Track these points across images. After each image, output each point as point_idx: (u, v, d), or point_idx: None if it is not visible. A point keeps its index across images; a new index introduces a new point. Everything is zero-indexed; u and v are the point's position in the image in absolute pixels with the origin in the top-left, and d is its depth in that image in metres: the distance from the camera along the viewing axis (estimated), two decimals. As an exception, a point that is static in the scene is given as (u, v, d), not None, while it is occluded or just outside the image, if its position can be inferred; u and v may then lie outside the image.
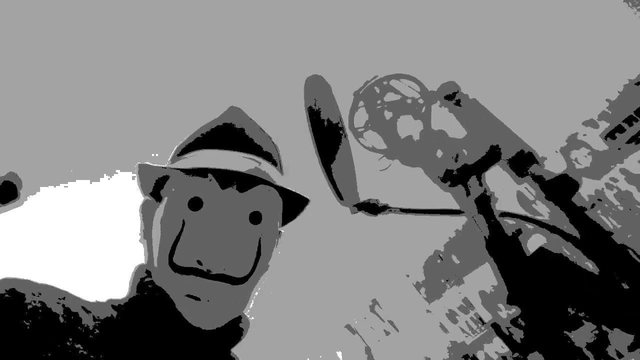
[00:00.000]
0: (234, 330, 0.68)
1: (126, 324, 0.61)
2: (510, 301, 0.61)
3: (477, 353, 7.27)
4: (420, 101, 0.89)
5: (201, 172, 0.65)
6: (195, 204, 0.64)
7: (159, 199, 0.71)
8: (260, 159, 0.71)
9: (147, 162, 0.71)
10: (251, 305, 0.70)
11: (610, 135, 5.77)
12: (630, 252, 0.61)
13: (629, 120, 5.71)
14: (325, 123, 0.82)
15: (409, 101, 0.91)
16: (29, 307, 0.53)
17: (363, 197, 0.84)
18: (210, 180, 0.65)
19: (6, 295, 0.53)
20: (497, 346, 7.01)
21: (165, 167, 0.70)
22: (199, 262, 0.62)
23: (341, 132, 0.90)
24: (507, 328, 6.72)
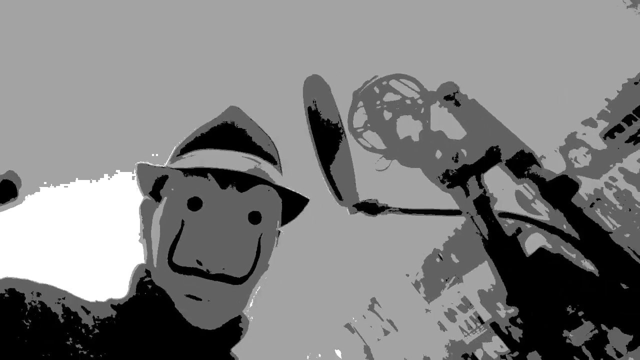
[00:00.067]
0: (233, 330, 0.68)
1: (126, 324, 0.61)
2: (510, 302, 0.61)
3: (476, 352, 7.27)
4: (420, 101, 0.89)
5: (200, 172, 0.65)
6: (195, 203, 0.64)
7: (158, 198, 0.71)
8: (259, 159, 0.71)
9: (147, 162, 0.71)
10: (251, 305, 0.70)
11: (610, 134, 5.77)
12: (630, 252, 0.61)
13: (628, 120, 5.71)
14: (325, 123, 0.82)
15: (408, 101, 0.91)
16: (29, 307, 0.53)
17: (362, 197, 0.84)
18: (209, 180, 0.65)
19: (6, 295, 0.53)
20: (496, 345, 7.01)
21: (164, 167, 0.70)
22: (199, 262, 0.62)
23: (340, 132, 0.90)
24: (507, 327, 6.73)
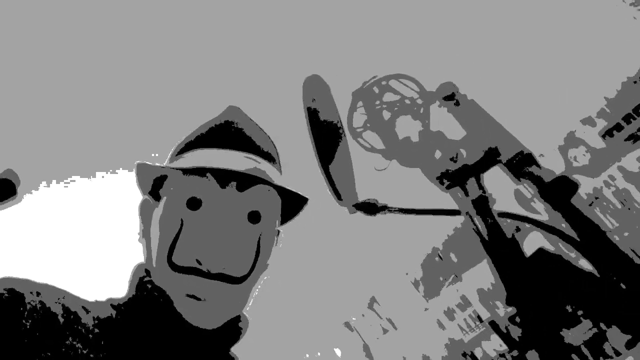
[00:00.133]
0: (233, 330, 0.67)
1: (126, 324, 0.61)
2: (509, 302, 0.61)
3: (475, 350, 7.28)
4: (419, 101, 0.89)
5: (200, 172, 0.65)
6: (194, 203, 0.64)
7: (158, 198, 0.71)
8: (259, 159, 0.71)
9: (146, 162, 0.70)
10: (250, 304, 0.70)
11: (609, 133, 5.77)
12: (629, 252, 0.61)
13: (627, 119, 5.71)
14: (324, 123, 0.82)
15: (408, 101, 0.91)
16: (29, 306, 0.53)
17: (362, 197, 0.84)
18: (209, 179, 0.64)
19: (5, 295, 0.53)
20: (495, 344, 7.02)
21: (163, 167, 0.69)
22: (198, 262, 0.61)
23: (340, 132, 0.89)
24: (506, 326, 6.74)
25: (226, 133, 0.71)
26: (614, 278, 0.58)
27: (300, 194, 0.71)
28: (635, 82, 5.56)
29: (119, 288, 0.69)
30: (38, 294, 0.55)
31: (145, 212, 0.71)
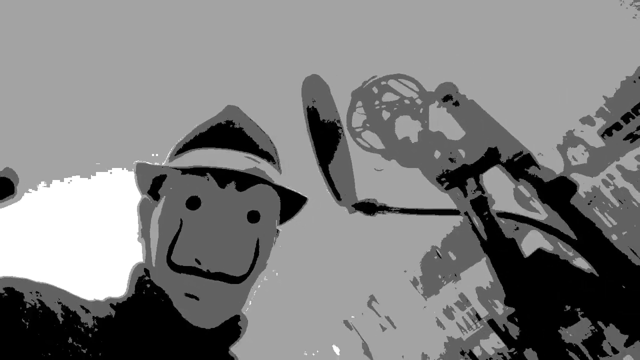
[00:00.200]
0: (232, 329, 0.68)
1: (125, 323, 0.61)
2: (508, 303, 0.61)
3: (473, 349, 7.30)
4: (419, 101, 0.89)
5: (199, 171, 0.66)
6: (193, 203, 0.64)
7: (157, 198, 0.71)
8: (258, 158, 0.71)
9: (145, 161, 0.71)
10: (249, 304, 0.70)
11: (608, 132, 5.78)
12: (629, 253, 0.61)
13: (626, 118, 5.72)
14: (324, 123, 0.82)
15: (407, 101, 0.91)
16: (28, 306, 0.53)
17: (361, 197, 0.84)
18: (208, 179, 0.65)
19: (5, 295, 0.53)
20: (494, 342, 7.04)
21: (163, 166, 0.70)
22: (198, 261, 0.62)
23: (339, 132, 0.90)
24: (504, 324, 6.75)
25: (225, 133, 0.72)
26: (612, 278, 0.59)
27: (300, 193, 0.72)
28: (634, 81, 5.57)
29: (118, 288, 0.69)
30: (37, 293, 0.55)
31: (144, 212, 0.71)
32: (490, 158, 0.69)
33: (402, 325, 8.49)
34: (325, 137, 0.82)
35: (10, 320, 0.51)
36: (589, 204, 5.33)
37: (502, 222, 0.71)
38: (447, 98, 0.85)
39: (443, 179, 0.71)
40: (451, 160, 0.70)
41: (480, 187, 0.70)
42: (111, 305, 0.64)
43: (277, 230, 0.75)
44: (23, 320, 0.51)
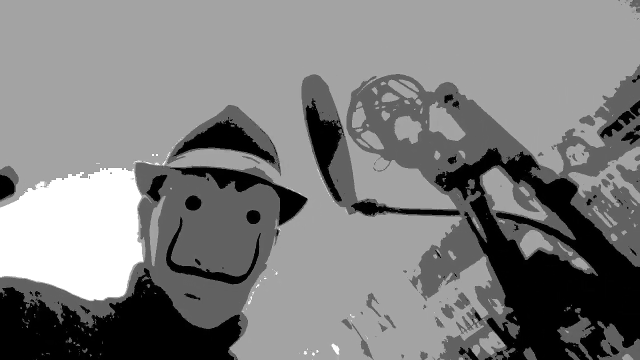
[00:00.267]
0: (231, 329, 0.68)
1: (125, 323, 0.61)
2: (508, 303, 0.61)
3: (472, 348, 7.30)
4: (418, 102, 0.89)
5: (199, 171, 0.66)
6: (193, 203, 0.64)
7: (157, 198, 0.71)
8: (258, 158, 0.71)
9: (145, 161, 0.71)
10: (249, 304, 0.70)
11: (607, 132, 5.78)
12: (627, 252, 0.62)
13: (626, 117, 5.72)
14: (323, 123, 0.82)
15: (407, 102, 0.91)
16: (28, 306, 0.53)
17: (361, 198, 0.84)
18: (208, 179, 0.65)
19: (5, 295, 0.53)
20: (493, 341, 7.04)
21: (162, 166, 0.70)
22: (197, 261, 0.62)
23: (339, 132, 0.90)
24: (503, 324, 6.76)
25: (225, 133, 0.72)
26: (612, 278, 0.59)
27: (299, 193, 0.72)
28: (634, 80, 5.57)
29: (118, 287, 0.69)
30: (37, 293, 0.55)
31: (144, 212, 0.71)
32: (491, 159, 0.69)
33: (401, 324, 8.49)
34: (325, 137, 0.82)
35: (10, 320, 0.51)
36: (588, 203, 5.33)
37: (501, 222, 0.71)
38: (447, 98, 0.85)
39: (443, 180, 0.71)
40: (451, 161, 0.70)
41: (480, 188, 0.70)
42: (111, 305, 0.65)
43: (277, 230, 0.75)
44: (23, 320, 0.51)
